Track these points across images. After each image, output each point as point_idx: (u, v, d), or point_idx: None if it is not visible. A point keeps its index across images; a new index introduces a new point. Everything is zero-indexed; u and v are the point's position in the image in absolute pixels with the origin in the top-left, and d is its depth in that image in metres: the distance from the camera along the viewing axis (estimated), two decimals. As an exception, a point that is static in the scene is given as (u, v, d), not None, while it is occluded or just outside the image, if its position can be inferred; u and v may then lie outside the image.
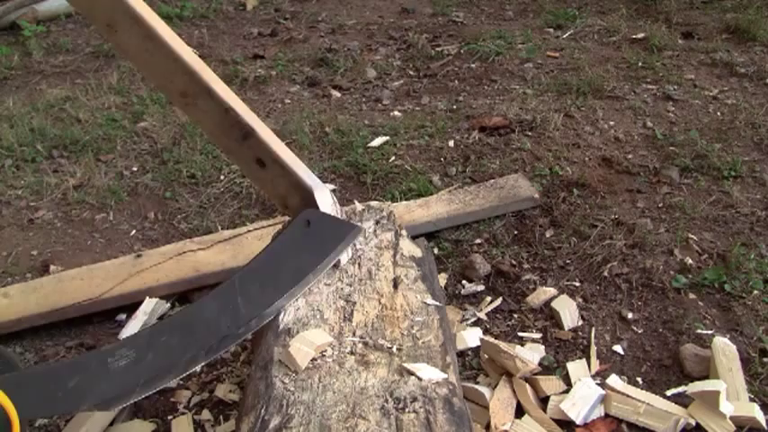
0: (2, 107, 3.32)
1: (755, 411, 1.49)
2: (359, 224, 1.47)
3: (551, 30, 3.97)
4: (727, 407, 1.49)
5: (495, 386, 1.62)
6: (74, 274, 2.09)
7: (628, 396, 1.54)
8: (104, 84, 3.52)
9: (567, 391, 1.61)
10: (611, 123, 2.87)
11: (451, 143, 2.79)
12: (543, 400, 1.61)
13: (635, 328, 1.84)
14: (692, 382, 1.61)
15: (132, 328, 1.91)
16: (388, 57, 3.75)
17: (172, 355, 1.19)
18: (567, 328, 1.83)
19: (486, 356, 1.70)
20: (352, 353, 1.28)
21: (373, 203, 1.79)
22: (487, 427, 1.53)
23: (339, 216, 1.56)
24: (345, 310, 1.41)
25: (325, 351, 1.28)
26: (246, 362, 1.80)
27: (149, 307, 1.96)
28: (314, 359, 1.26)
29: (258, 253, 1.46)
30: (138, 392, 1.18)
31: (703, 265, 2.03)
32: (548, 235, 2.20)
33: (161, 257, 2.10)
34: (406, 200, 2.37)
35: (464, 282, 2.03)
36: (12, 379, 1.07)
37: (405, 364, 1.24)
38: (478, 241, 2.20)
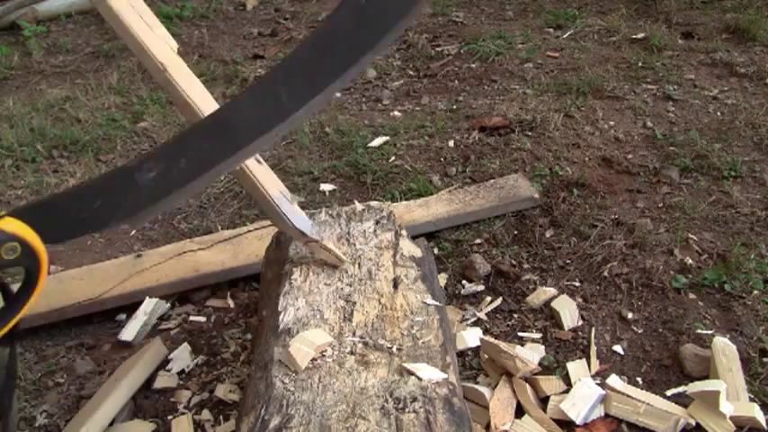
0: (2, 107, 3.32)
1: (755, 411, 1.49)
2: None
3: (551, 30, 3.97)
4: (727, 407, 1.49)
5: (495, 386, 1.62)
6: (74, 274, 2.09)
7: (628, 396, 1.54)
8: (104, 84, 3.52)
9: (567, 391, 1.61)
10: (611, 123, 2.86)
11: (451, 143, 2.79)
12: (543, 400, 1.61)
13: (635, 328, 1.84)
14: (692, 382, 1.61)
15: (132, 328, 1.91)
16: (388, 57, 3.75)
17: (206, 160, 1.06)
18: (567, 328, 1.83)
19: (486, 356, 1.70)
20: (352, 353, 1.28)
21: (373, 203, 1.79)
22: (487, 427, 1.53)
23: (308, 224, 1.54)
24: (345, 310, 1.41)
25: (325, 351, 1.28)
26: (246, 362, 1.80)
27: (149, 307, 1.96)
28: (314, 359, 1.26)
29: (303, 40, 1.28)
30: (170, 199, 1.08)
31: (703, 265, 2.03)
32: (548, 235, 2.20)
33: (161, 257, 2.10)
34: (406, 200, 2.37)
35: (464, 282, 2.03)
36: (32, 208, 1.00)
37: (405, 364, 1.24)
38: (478, 241, 2.20)
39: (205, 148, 1.05)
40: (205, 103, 1.38)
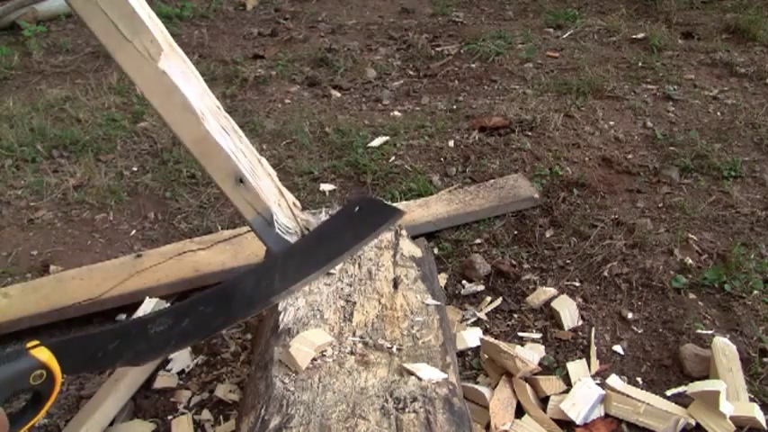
0: (2, 107, 3.32)
1: (755, 411, 1.49)
2: (401, 208, 1.50)
3: (551, 30, 3.97)
4: (727, 407, 1.49)
5: (495, 386, 1.62)
6: (74, 274, 2.09)
7: (628, 396, 1.54)
8: (104, 84, 3.52)
9: (567, 391, 1.60)
10: (611, 123, 2.87)
11: (451, 143, 2.79)
12: (543, 400, 1.61)
13: (635, 328, 1.84)
14: (692, 382, 1.61)
15: (132, 328, 1.91)
16: (388, 57, 3.75)
17: (205, 321, 1.27)
18: (567, 328, 1.83)
19: (486, 356, 1.70)
20: (352, 353, 1.28)
21: (373, 203, 1.79)
22: (487, 427, 1.53)
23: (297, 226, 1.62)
24: (345, 310, 1.41)
25: (326, 351, 1.28)
26: (246, 362, 1.80)
27: (149, 307, 1.96)
28: (314, 359, 1.26)
29: (306, 235, 1.56)
30: (170, 349, 1.28)
31: (703, 265, 2.03)
32: (548, 235, 2.20)
33: (161, 258, 2.10)
34: (406, 200, 2.37)
35: (464, 282, 2.03)
36: (60, 342, 1.14)
37: (405, 365, 1.24)
38: (478, 241, 2.20)
39: (207, 313, 1.27)
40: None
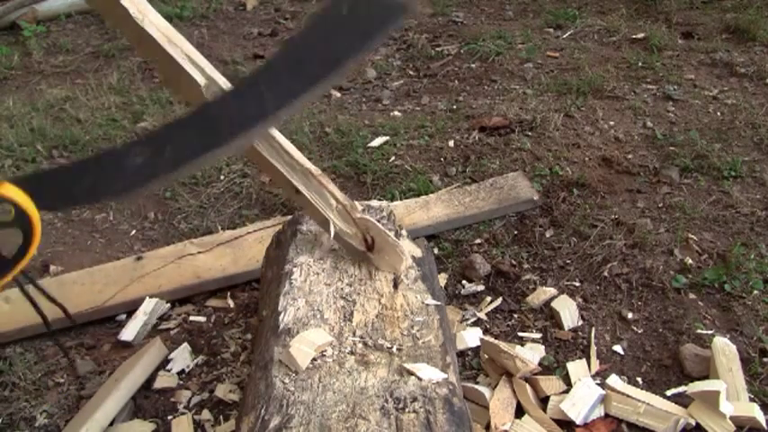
0: (2, 107, 3.32)
1: (755, 411, 1.49)
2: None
3: (551, 30, 3.97)
4: (727, 407, 1.49)
5: (495, 386, 1.62)
6: (75, 278, 2.08)
7: (628, 396, 1.54)
8: (104, 84, 3.51)
9: (567, 391, 1.61)
10: (611, 123, 2.86)
11: (451, 143, 2.79)
12: (543, 400, 1.61)
13: (635, 328, 1.84)
14: (692, 382, 1.61)
15: (132, 328, 1.91)
16: (388, 57, 3.75)
17: (192, 149, 1.15)
18: (567, 328, 1.83)
19: (486, 356, 1.70)
20: (352, 353, 1.28)
21: (373, 203, 1.79)
22: (487, 427, 1.53)
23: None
24: (345, 310, 1.41)
25: (326, 351, 1.28)
26: (246, 362, 1.80)
27: (149, 307, 1.96)
28: (314, 359, 1.26)
29: (284, 42, 1.39)
30: (157, 182, 1.16)
31: (703, 265, 2.03)
32: (548, 235, 2.20)
33: (161, 260, 2.10)
34: (406, 200, 2.37)
35: (464, 282, 2.03)
36: (29, 178, 1.10)
37: (405, 365, 1.24)
38: (478, 241, 2.20)
39: (191, 139, 1.14)
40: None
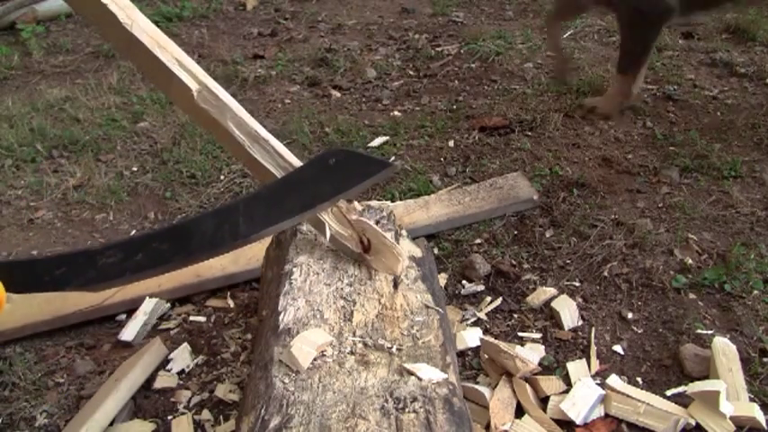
0: (2, 107, 3.32)
1: (755, 411, 1.49)
2: (392, 161, 1.44)
3: (551, 30, 3.97)
4: (727, 407, 1.49)
5: (495, 386, 1.62)
6: (74, 276, 2.09)
7: (628, 396, 1.54)
8: (104, 84, 3.51)
9: (567, 391, 1.60)
10: (611, 123, 2.86)
11: (451, 143, 2.79)
12: (543, 400, 1.61)
13: (635, 328, 1.84)
14: (692, 382, 1.61)
15: (132, 328, 1.91)
16: (388, 57, 3.75)
17: (161, 257, 1.24)
18: (567, 328, 1.83)
19: (486, 356, 1.70)
20: (352, 353, 1.28)
21: (373, 203, 1.79)
22: (487, 427, 1.53)
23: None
24: (345, 309, 1.41)
25: (326, 351, 1.28)
26: (246, 362, 1.80)
27: (149, 307, 1.96)
28: (314, 359, 1.26)
29: (269, 181, 1.46)
30: (124, 280, 1.25)
31: (703, 265, 2.03)
32: (548, 235, 2.20)
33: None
34: (406, 200, 2.37)
35: (464, 282, 2.03)
36: (2, 262, 1.18)
37: (405, 365, 1.24)
38: (478, 241, 2.20)
39: (162, 249, 1.23)
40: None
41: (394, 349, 1.29)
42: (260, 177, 1.50)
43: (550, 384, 1.62)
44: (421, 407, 1.13)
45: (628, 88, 2.81)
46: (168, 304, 2.02)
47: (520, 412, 1.58)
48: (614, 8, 2.75)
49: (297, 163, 1.51)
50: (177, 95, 1.41)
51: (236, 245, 1.28)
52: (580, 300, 1.93)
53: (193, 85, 1.38)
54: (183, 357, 1.83)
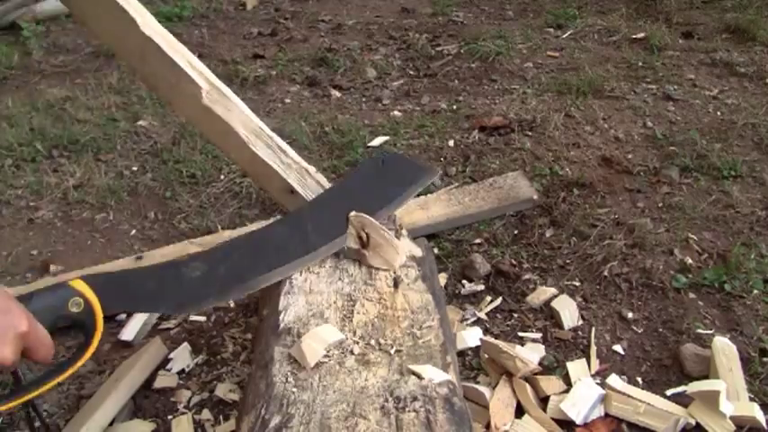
0: (2, 107, 3.32)
1: (755, 411, 1.49)
2: (435, 167, 1.49)
3: (551, 30, 3.97)
4: (727, 407, 1.49)
5: (495, 386, 1.62)
6: (74, 278, 2.08)
7: (628, 396, 1.54)
8: (104, 83, 3.51)
9: (567, 391, 1.61)
10: (612, 123, 2.87)
11: (451, 143, 2.79)
12: (543, 400, 1.61)
13: (635, 328, 1.84)
14: (691, 382, 1.61)
15: (132, 327, 1.91)
16: (388, 57, 3.75)
17: (242, 272, 1.25)
18: (566, 328, 1.83)
19: (486, 356, 1.70)
20: (352, 352, 1.28)
21: (373, 203, 1.79)
22: (487, 426, 1.53)
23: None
24: (345, 309, 1.41)
25: (327, 350, 1.28)
26: (246, 362, 1.80)
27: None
28: (315, 359, 1.26)
29: (329, 187, 1.49)
30: (212, 300, 1.26)
31: (703, 265, 2.03)
32: (548, 235, 2.20)
33: (161, 260, 2.10)
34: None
35: (464, 281, 2.03)
36: (92, 275, 1.17)
37: (410, 366, 1.24)
38: (478, 241, 2.20)
39: (243, 263, 1.26)
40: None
41: (394, 349, 1.29)
42: (260, 177, 1.50)
43: (550, 384, 1.62)
44: (421, 406, 1.13)
45: None
46: (168, 304, 2.02)
47: (520, 412, 1.58)
48: None
49: (299, 160, 1.51)
50: (183, 96, 1.41)
51: (306, 259, 1.31)
52: (580, 299, 1.93)
53: (204, 85, 1.39)
54: (183, 357, 1.83)
